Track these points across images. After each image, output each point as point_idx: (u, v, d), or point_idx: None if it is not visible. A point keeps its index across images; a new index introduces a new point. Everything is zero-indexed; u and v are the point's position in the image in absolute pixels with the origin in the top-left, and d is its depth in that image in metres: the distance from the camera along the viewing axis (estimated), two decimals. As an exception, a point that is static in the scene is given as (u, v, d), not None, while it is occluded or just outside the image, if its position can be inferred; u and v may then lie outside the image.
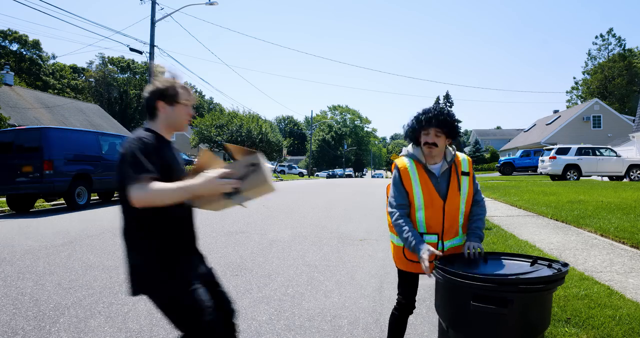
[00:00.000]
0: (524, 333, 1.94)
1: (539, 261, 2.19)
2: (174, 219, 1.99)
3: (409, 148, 2.53)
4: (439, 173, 2.44)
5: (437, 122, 2.34)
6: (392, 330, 2.60)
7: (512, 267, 2.19)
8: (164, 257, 1.95)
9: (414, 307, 2.60)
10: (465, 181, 2.46)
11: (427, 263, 2.19)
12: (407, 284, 2.55)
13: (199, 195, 1.92)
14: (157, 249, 1.94)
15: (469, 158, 2.57)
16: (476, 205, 2.52)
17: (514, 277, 1.96)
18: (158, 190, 1.83)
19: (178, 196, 1.87)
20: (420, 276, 2.55)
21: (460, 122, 2.51)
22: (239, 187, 1.93)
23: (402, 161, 2.49)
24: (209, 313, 1.93)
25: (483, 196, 2.59)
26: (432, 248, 2.25)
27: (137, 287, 1.95)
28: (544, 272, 2.04)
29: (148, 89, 2.07)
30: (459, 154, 2.53)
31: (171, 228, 1.98)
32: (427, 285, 3.46)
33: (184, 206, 2.01)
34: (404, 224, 2.38)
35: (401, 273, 2.57)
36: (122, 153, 1.90)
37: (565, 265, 2.06)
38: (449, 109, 2.50)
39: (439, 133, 2.36)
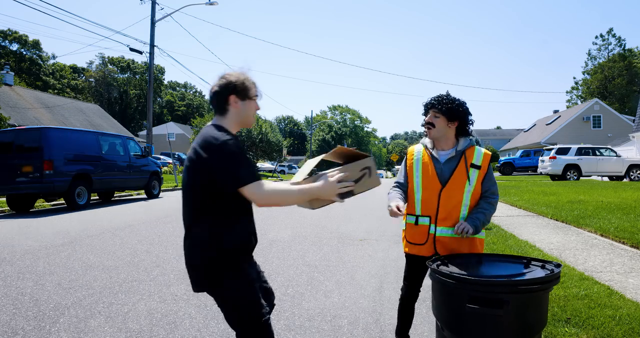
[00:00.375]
0: (520, 333, 1.94)
1: (532, 262, 2.20)
2: (246, 219, 2.00)
3: (426, 138, 2.66)
4: (444, 160, 2.49)
5: (433, 102, 2.49)
6: (400, 315, 2.76)
7: (507, 268, 2.20)
8: (236, 252, 1.95)
9: (417, 294, 2.69)
10: (474, 174, 2.44)
11: (393, 208, 2.40)
12: (409, 269, 2.67)
13: (316, 197, 1.98)
14: (228, 247, 1.93)
15: (487, 152, 2.51)
16: (484, 200, 2.48)
17: (508, 278, 1.97)
18: (284, 191, 1.89)
19: (300, 198, 1.93)
20: (418, 266, 2.64)
21: (465, 106, 2.50)
22: (354, 189, 2.05)
23: (412, 147, 2.69)
24: (266, 313, 1.99)
25: (494, 198, 2.49)
26: (401, 203, 2.43)
27: (202, 283, 1.95)
28: (538, 272, 2.05)
29: (219, 83, 2.01)
30: (478, 147, 2.51)
31: (243, 227, 1.98)
32: (427, 285, 3.46)
33: (250, 207, 2.02)
34: (392, 191, 2.60)
35: (406, 258, 2.69)
36: (223, 150, 1.84)
37: (558, 265, 2.07)
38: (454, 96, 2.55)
39: (437, 113, 2.47)
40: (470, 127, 2.54)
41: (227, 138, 1.87)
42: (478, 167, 2.45)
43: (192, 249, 1.95)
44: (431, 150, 2.55)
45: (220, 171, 1.84)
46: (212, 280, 1.93)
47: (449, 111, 2.44)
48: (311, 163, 2.20)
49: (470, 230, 2.36)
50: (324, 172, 2.07)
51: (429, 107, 2.51)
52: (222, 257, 1.92)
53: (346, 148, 2.18)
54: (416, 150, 2.62)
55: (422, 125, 2.58)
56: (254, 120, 2.11)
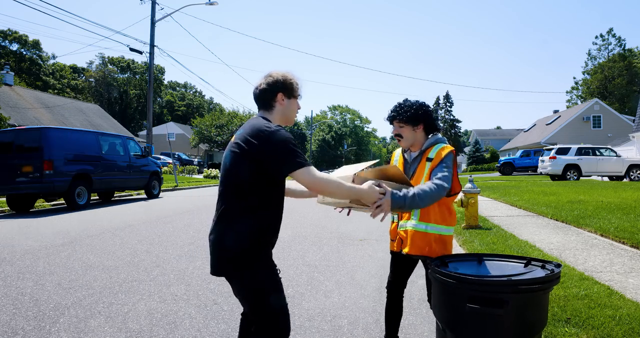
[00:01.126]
0: (520, 333, 1.94)
1: (532, 262, 2.20)
2: (278, 211, 2.06)
3: None
4: (410, 160, 2.63)
5: (393, 116, 2.57)
6: (386, 311, 2.76)
7: (506, 268, 2.20)
8: (263, 244, 2.00)
9: (400, 287, 2.71)
10: (427, 166, 2.49)
11: None
12: (391, 262, 2.75)
13: (357, 199, 2.08)
14: (261, 235, 1.98)
15: (445, 148, 2.47)
16: (430, 181, 2.37)
17: (508, 278, 1.97)
18: (336, 182, 1.96)
19: (348, 194, 2.00)
20: (400, 260, 2.68)
21: (424, 107, 2.55)
22: None
23: (395, 151, 2.82)
24: (285, 302, 2.03)
25: (440, 181, 2.29)
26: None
27: (229, 267, 1.97)
28: (538, 272, 2.05)
29: (266, 81, 2.10)
30: (439, 145, 2.52)
31: (274, 219, 2.04)
32: (425, 285, 3.46)
33: (283, 201, 2.09)
34: None
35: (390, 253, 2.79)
36: (276, 137, 1.90)
37: (558, 265, 2.07)
38: (410, 99, 2.60)
39: (400, 124, 2.55)
40: (437, 122, 2.63)
41: (279, 128, 1.97)
42: (431, 160, 2.49)
43: (227, 232, 1.97)
44: (404, 153, 2.69)
45: (274, 157, 1.91)
46: (244, 265, 1.95)
47: (410, 119, 2.51)
48: (356, 167, 2.28)
49: (384, 207, 2.10)
50: (375, 181, 2.17)
51: (391, 120, 2.59)
52: (259, 243, 1.97)
53: (401, 172, 2.30)
54: (396, 154, 2.78)
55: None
56: (295, 117, 2.23)
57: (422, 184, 2.32)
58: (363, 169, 2.26)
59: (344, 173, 2.27)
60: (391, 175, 2.32)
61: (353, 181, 2.16)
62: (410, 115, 2.50)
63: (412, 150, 2.64)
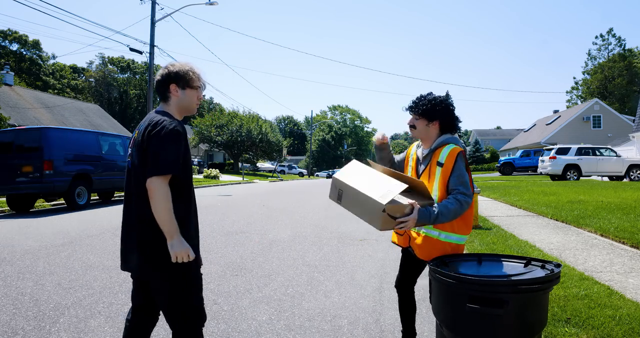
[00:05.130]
0: (520, 333, 1.94)
1: (532, 262, 2.20)
2: (193, 206, 2.13)
3: None
4: (421, 158, 2.62)
5: (412, 105, 2.59)
6: (399, 309, 2.78)
7: (506, 268, 2.20)
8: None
9: (409, 285, 2.71)
10: (437, 172, 2.45)
11: (378, 137, 2.75)
12: (401, 261, 2.76)
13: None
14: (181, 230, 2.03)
15: (454, 150, 2.43)
16: (451, 194, 2.37)
17: (508, 278, 1.97)
18: (166, 199, 1.94)
19: (168, 217, 1.93)
20: (403, 259, 2.72)
21: (443, 104, 2.53)
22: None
23: (412, 145, 2.80)
24: (201, 294, 2.13)
25: (464, 197, 2.32)
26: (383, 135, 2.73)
27: (156, 263, 2.01)
28: (538, 272, 2.05)
29: (161, 73, 2.14)
30: (448, 146, 2.47)
31: (191, 214, 2.10)
32: (425, 285, 3.46)
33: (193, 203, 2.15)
34: None
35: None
36: (162, 138, 1.95)
37: (558, 265, 2.07)
38: (433, 93, 2.59)
39: (416, 116, 2.57)
40: (457, 122, 2.56)
41: (176, 126, 2.02)
42: (442, 165, 2.45)
43: (152, 231, 1.99)
44: (417, 149, 2.68)
45: (151, 150, 2.00)
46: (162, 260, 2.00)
47: (425, 113, 2.51)
48: (386, 184, 2.26)
49: (409, 224, 2.20)
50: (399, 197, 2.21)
51: (409, 110, 2.61)
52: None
53: (425, 187, 2.32)
54: (412, 150, 2.76)
55: None
56: (196, 108, 2.26)
57: (446, 200, 2.32)
58: (394, 197, 2.17)
59: (371, 190, 2.21)
60: (414, 186, 2.31)
61: (384, 211, 2.12)
62: (425, 109, 2.51)
63: (424, 146, 2.63)
